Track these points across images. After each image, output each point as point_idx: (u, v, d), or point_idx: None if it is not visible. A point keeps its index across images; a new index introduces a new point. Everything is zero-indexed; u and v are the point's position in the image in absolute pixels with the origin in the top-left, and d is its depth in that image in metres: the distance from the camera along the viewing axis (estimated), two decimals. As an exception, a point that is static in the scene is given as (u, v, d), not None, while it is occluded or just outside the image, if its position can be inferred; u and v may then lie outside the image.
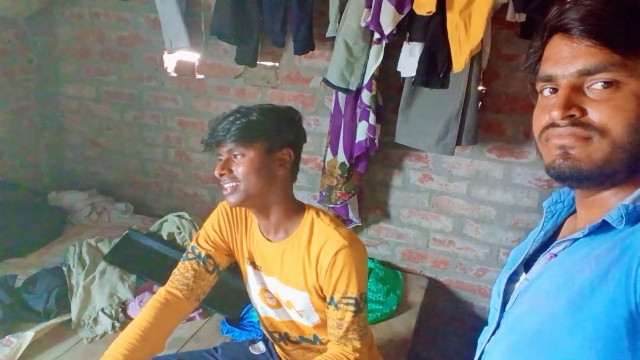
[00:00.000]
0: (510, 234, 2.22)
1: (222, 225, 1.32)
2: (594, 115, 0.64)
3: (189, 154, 2.74)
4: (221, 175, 1.17)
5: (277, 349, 1.48)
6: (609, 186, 0.68)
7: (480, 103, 2.04)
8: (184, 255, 1.33)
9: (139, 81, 2.71)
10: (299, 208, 1.26)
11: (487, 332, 0.82)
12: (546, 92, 0.70)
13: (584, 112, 0.64)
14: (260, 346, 1.55)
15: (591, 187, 0.69)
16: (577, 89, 0.65)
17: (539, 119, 0.70)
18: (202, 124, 2.63)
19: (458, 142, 1.97)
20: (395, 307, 2.09)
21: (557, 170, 0.67)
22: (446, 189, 2.29)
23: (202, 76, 2.59)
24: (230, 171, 1.17)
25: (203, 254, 1.30)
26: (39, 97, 2.84)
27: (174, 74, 2.65)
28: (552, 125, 0.67)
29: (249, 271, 1.35)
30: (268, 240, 1.27)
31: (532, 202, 2.15)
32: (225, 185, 1.18)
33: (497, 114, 2.11)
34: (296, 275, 1.23)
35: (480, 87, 1.99)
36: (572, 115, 0.64)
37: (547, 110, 0.68)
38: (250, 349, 1.54)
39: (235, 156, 1.17)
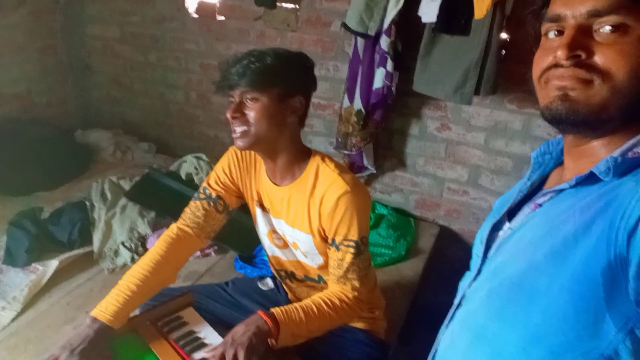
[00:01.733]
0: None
1: (232, 168, 1.36)
2: (599, 58, 0.63)
3: (209, 97, 2.76)
4: (233, 118, 1.18)
5: (284, 286, 1.55)
6: (601, 134, 0.67)
7: (503, 52, 1.98)
8: (195, 194, 1.38)
9: (162, 22, 2.71)
10: (305, 153, 1.28)
11: (468, 277, 0.84)
12: (551, 35, 0.69)
13: (589, 54, 0.63)
14: (269, 282, 1.62)
15: (584, 133, 0.68)
16: (584, 31, 0.64)
17: (541, 61, 0.69)
18: (223, 67, 2.64)
19: (476, 92, 1.93)
20: (405, 253, 2.13)
21: (553, 112, 0.66)
22: (464, 139, 2.27)
23: (222, 18, 2.57)
24: (243, 114, 1.17)
25: (213, 195, 1.35)
26: (65, 36, 2.89)
27: (196, 15, 2.63)
28: (555, 66, 0.66)
29: (257, 213, 1.39)
30: (275, 184, 1.30)
31: (550, 155, 2.12)
32: (236, 129, 1.19)
33: (520, 64, 2.04)
34: (302, 218, 1.27)
35: (503, 35, 1.93)
36: (578, 56, 0.64)
37: (551, 52, 0.67)
38: (259, 284, 1.61)
39: (248, 100, 1.17)
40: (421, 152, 2.37)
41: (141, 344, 1.19)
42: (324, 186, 1.22)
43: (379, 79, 2.07)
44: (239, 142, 1.20)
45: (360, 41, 2.09)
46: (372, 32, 2.00)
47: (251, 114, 1.17)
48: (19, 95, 2.71)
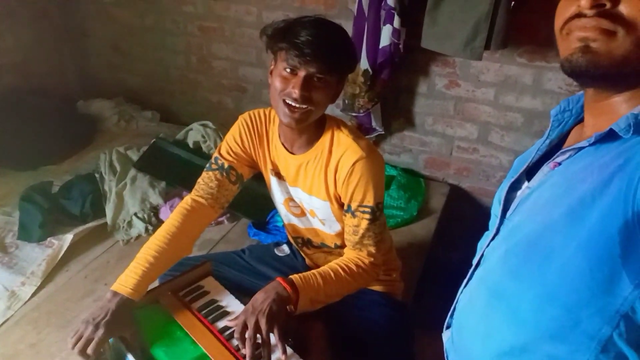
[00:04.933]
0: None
1: (244, 138, 1.33)
2: (624, 7, 0.60)
3: (210, 61, 2.70)
4: (302, 96, 1.12)
5: (301, 252, 1.55)
6: (622, 89, 0.65)
7: (512, 2, 1.91)
8: (207, 165, 1.36)
9: (156, -17, 2.63)
10: (321, 120, 1.27)
11: (487, 237, 0.84)
12: None
13: (614, 3, 0.61)
14: (285, 248, 1.62)
15: (604, 87, 0.67)
16: None
17: (564, 11, 0.67)
18: (222, 29, 2.58)
19: (487, 46, 1.88)
20: (416, 213, 2.13)
21: (573, 65, 0.64)
22: (473, 96, 2.23)
23: (220, -23, 2.49)
24: (309, 92, 1.13)
25: (226, 165, 1.33)
26: (59, 1, 2.80)
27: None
28: (578, 15, 0.63)
29: (273, 181, 1.38)
30: (290, 152, 1.28)
31: (561, 109, 2.08)
32: (298, 106, 1.14)
33: (530, 14, 1.97)
34: (319, 185, 1.26)
35: (513, -15, 1.86)
36: (602, 5, 0.61)
37: (574, 1, 0.64)
38: (275, 250, 1.61)
39: (315, 79, 1.13)
40: (430, 110, 2.33)
41: (164, 315, 1.20)
42: (339, 152, 1.21)
43: (385, 37, 2.01)
44: (297, 121, 1.16)
45: (365, -3, 2.02)
46: (377, -13, 1.93)
47: (317, 95, 1.14)
48: (17, 64, 2.65)
